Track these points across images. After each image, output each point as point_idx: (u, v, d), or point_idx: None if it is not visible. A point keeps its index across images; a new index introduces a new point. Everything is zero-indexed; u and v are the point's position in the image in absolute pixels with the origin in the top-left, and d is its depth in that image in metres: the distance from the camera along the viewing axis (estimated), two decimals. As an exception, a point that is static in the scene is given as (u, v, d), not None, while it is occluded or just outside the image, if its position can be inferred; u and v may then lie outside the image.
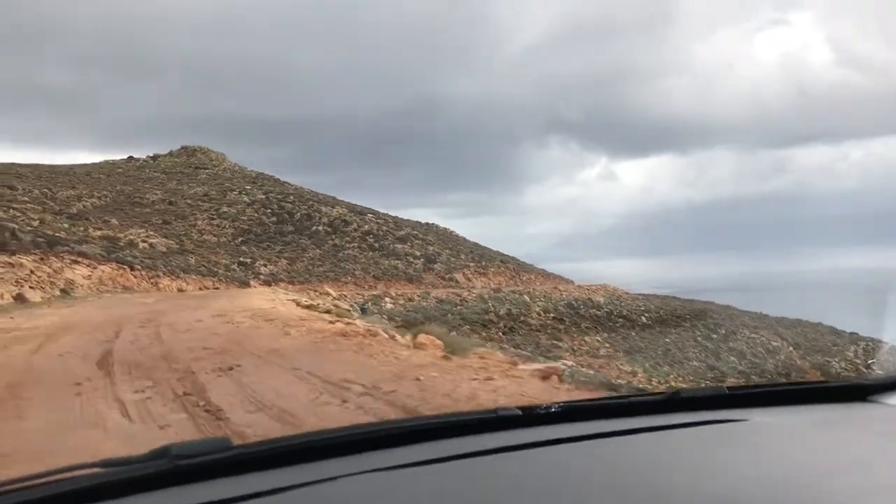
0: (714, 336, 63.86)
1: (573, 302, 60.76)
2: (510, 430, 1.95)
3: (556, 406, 2.06)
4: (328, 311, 17.11)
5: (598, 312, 60.28)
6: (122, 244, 46.21)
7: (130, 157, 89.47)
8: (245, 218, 63.86)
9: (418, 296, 51.86)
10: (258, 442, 1.79)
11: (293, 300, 22.52)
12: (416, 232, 69.75)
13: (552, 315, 55.69)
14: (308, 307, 19.06)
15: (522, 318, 53.03)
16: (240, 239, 59.56)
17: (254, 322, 13.28)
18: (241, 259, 53.39)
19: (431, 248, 66.33)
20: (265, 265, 53.48)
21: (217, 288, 43.96)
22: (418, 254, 63.80)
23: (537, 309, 56.75)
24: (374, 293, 49.70)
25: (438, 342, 10.65)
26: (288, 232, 62.33)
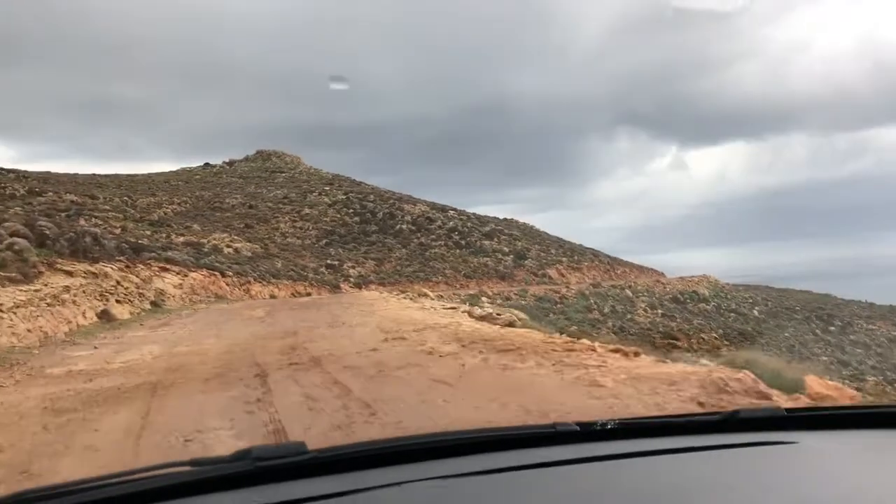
0: (832, 328, 58.31)
1: (678, 296, 55.85)
2: (568, 444, 1.95)
3: (614, 422, 2.03)
4: (510, 324, 12.99)
5: (707, 307, 55.23)
6: (206, 249, 43.10)
7: (206, 164, 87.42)
8: (327, 219, 60.55)
9: (515, 294, 47.63)
10: (332, 447, 1.83)
11: (447, 307, 18.44)
12: (500, 227, 65.47)
13: (660, 311, 50.86)
14: (480, 318, 14.97)
15: (629, 316, 48.48)
16: (324, 241, 56.20)
17: (470, 351, 8.64)
18: (329, 261, 49.90)
19: (519, 243, 61.97)
20: (353, 267, 49.90)
21: (309, 294, 40.44)
22: (507, 250, 59.51)
23: (642, 305, 52.03)
24: (470, 292, 45.60)
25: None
26: (372, 232, 58.75)
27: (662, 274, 72.32)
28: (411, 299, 26.50)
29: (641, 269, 70.15)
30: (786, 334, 51.68)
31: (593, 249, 70.05)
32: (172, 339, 11.77)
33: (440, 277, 51.38)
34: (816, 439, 2.01)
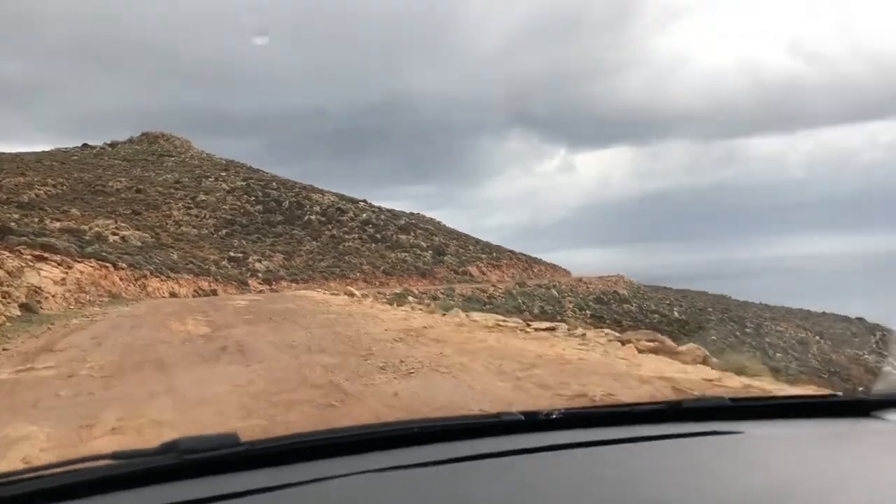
0: (747, 330, 56.89)
1: (601, 296, 52.68)
2: (512, 434, 1.91)
3: (559, 412, 2.00)
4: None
5: (630, 307, 52.32)
6: (88, 237, 36.10)
7: (85, 145, 78.13)
8: (227, 207, 53.86)
9: (442, 293, 42.91)
10: (266, 439, 1.75)
11: (472, 320, 13.22)
12: (414, 221, 60.57)
13: (588, 312, 47.37)
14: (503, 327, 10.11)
15: (560, 317, 44.76)
16: (224, 230, 49.64)
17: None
18: (232, 254, 43.60)
19: (437, 238, 57.28)
20: (259, 260, 43.80)
21: (215, 291, 34.29)
22: (425, 245, 54.70)
23: (570, 305, 48.44)
24: (395, 291, 40.55)
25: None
26: (277, 222, 52.59)
27: (568, 273, 69.69)
28: (390, 303, 21.48)
29: (555, 268, 66.95)
30: (712, 337, 49.32)
31: (507, 248, 66.27)
32: (65, 417, 5.92)
33: (358, 274, 46.02)
34: (761, 428, 2.01)
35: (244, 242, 47.12)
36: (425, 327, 11.20)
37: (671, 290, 75.73)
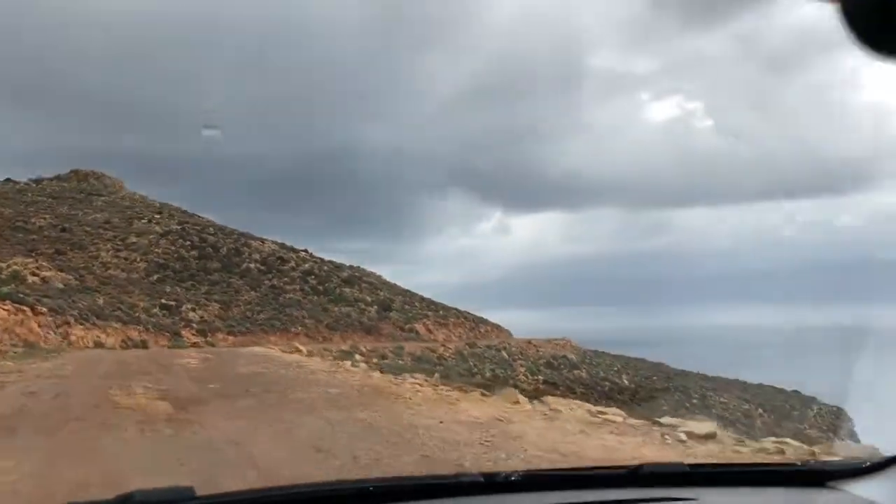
0: (694, 401, 55.64)
1: (551, 360, 50.67)
2: (471, 496, 1.88)
3: (518, 474, 1.96)
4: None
5: (581, 374, 50.41)
6: (3, 276, 32.28)
7: (8, 179, 72.88)
8: (159, 251, 50.09)
9: (391, 352, 40.11)
10: (221, 493, 1.72)
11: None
12: (358, 274, 57.72)
13: (541, 378, 45.13)
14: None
15: (512, 382, 42.41)
16: (156, 275, 45.89)
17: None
18: (163, 301, 39.95)
19: (381, 293, 54.52)
20: (194, 309, 40.28)
21: (144, 343, 30.81)
22: (369, 299, 51.87)
23: (522, 370, 46.21)
24: (342, 348, 37.59)
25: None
26: (214, 269, 49.08)
27: (510, 334, 67.69)
28: (385, 371, 18.79)
29: (500, 329, 64.78)
30: (664, 408, 47.65)
31: (450, 306, 63.82)
32: None
33: (299, 328, 42.85)
34: (716, 496, 2.01)
35: (177, 290, 43.51)
36: (499, 419, 8.52)
37: (608, 356, 74.52)
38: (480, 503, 1.82)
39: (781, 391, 69.87)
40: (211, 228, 56.81)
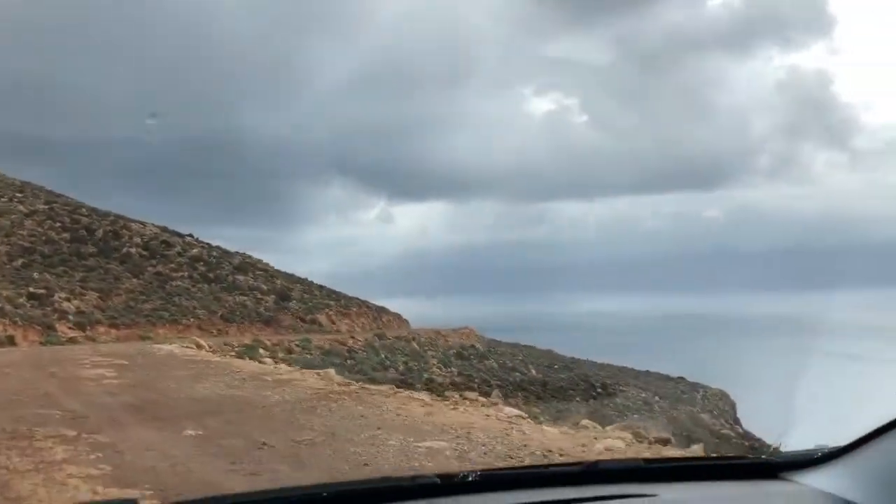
0: (599, 391, 54.57)
1: (461, 351, 48.03)
2: (428, 498, 1.84)
3: (475, 474, 1.94)
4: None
5: (492, 364, 48.08)
6: None
7: None
8: (24, 233, 43.63)
9: (297, 345, 36.23)
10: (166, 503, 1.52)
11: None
12: (251, 261, 52.94)
13: (455, 370, 42.39)
14: None
15: (426, 375, 39.44)
16: (20, 260, 39.71)
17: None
18: (32, 289, 34.27)
19: (279, 281, 50.15)
20: (69, 299, 34.82)
21: (12, 338, 25.75)
22: (266, 288, 47.46)
23: (434, 361, 43.26)
24: (245, 342, 33.37)
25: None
26: (89, 254, 43.23)
27: (408, 323, 64.87)
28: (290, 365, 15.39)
29: (400, 318, 61.66)
30: (577, 399, 46.07)
31: (347, 294, 60.02)
32: None
33: (191, 319, 38.13)
34: (674, 491, 1.99)
35: (47, 276, 37.68)
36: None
37: (506, 345, 73.02)
38: None
39: (668, 377, 70.41)
40: (84, 209, 50.45)
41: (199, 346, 26.38)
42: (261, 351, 33.25)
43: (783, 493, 2.03)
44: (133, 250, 45.47)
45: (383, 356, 39.70)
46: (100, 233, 46.39)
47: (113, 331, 32.75)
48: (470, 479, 1.91)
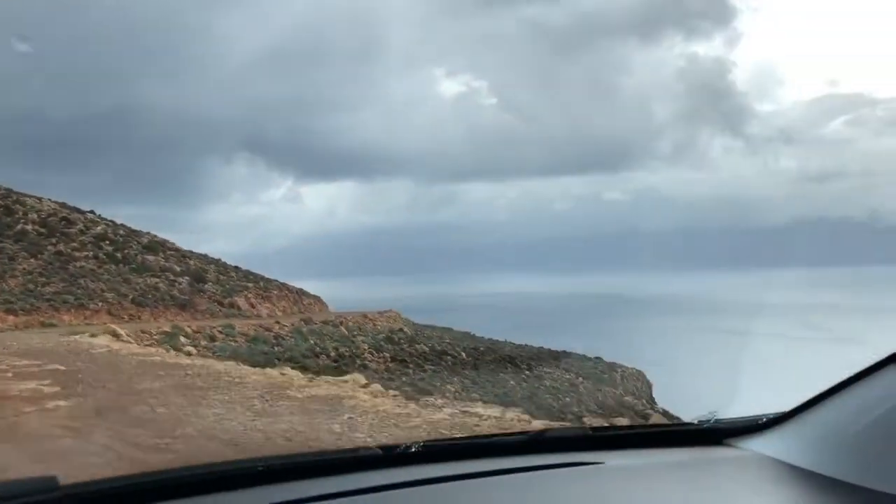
0: (527, 373, 53.55)
1: (390, 335, 45.69)
2: (370, 470, 1.80)
3: (418, 445, 1.91)
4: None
5: (423, 348, 45.97)
6: None
7: None
8: None
9: (220, 332, 33.16)
10: (88, 482, 1.56)
11: None
12: (159, 240, 48.90)
13: (387, 355, 40.10)
14: None
15: (360, 361, 37.03)
16: None
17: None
18: (-89, 270, 29.92)
19: (192, 262, 46.49)
20: (-45, 281, 30.62)
21: None
22: (178, 269, 43.79)
23: (365, 346, 40.82)
24: (164, 329, 30.19)
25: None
26: (-23, 231, 38.55)
27: (326, 304, 62.07)
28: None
29: (320, 301, 58.79)
30: (511, 382, 44.69)
31: (263, 276, 56.60)
32: None
33: (99, 303, 34.39)
34: (620, 458, 1.99)
35: (-72, 255, 33.20)
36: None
37: (430, 327, 71.24)
38: (381, 477, 1.71)
39: (586, 357, 70.28)
40: (-31, 182, 45.24)
41: (117, 336, 23.28)
42: (181, 339, 30.14)
43: (728, 458, 2.03)
44: (29, 227, 40.93)
45: (312, 342, 37.02)
46: (-10, 208, 41.59)
47: (10, 317, 28.90)
48: (413, 450, 1.87)
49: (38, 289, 33.38)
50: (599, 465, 1.91)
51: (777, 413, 2.07)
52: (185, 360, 14.85)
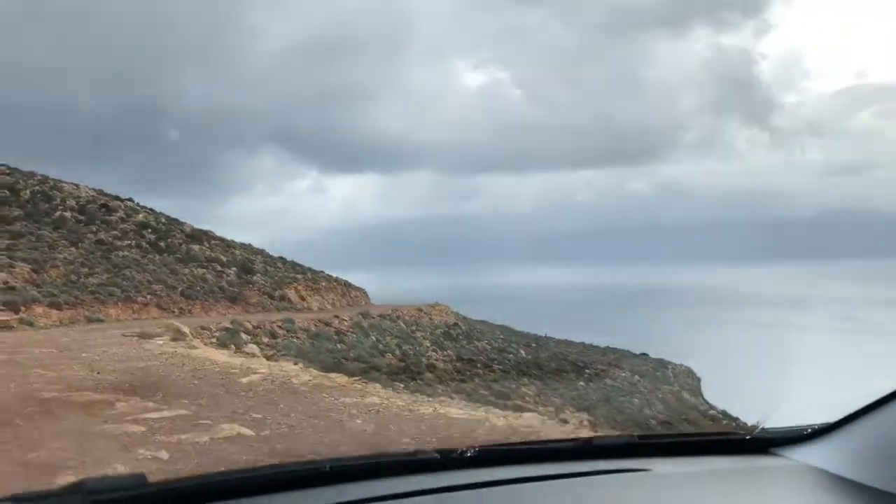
0: (587, 372, 50.22)
1: (448, 331, 42.42)
2: (427, 473, 1.84)
3: (473, 450, 1.94)
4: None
5: (484, 344, 42.74)
6: None
7: None
8: (-67, 191, 35.59)
9: (280, 327, 29.95)
10: (174, 479, 1.67)
11: None
12: (206, 228, 45.77)
13: (451, 353, 36.78)
14: None
15: (426, 360, 33.78)
16: (-73, 224, 31.93)
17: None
18: (-55, 259, 26.89)
19: (237, 252, 43.37)
20: (-7, 272, 27.55)
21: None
22: (225, 259, 40.67)
23: (426, 343, 37.55)
24: (225, 325, 27.02)
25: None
26: (15, 217, 35.50)
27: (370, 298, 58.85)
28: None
29: (364, 293, 55.52)
30: (581, 384, 41.25)
31: (310, 268, 53.33)
32: None
33: (148, 296, 31.23)
34: (667, 465, 2.00)
35: (-37, 243, 30.18)
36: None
37: (476, 322, 67.98)
38: (436, 479, 1.75)
39: (632, 354, 66.75)
40: (4, 167, 42.27)
41: (181, 335, 20.06)
42: (243, 336, 26.92)
43: (774, 468, 2.03)
44: (67, 214, 37.89)
45: (374, 338, 33.77)
46: (27, 193, 38.57)
47: (54, 312, 25.80)
48: (468, 454, 1.90)
49: (82, 280, 30.25)
50: (646, 472, 1.90)
51: (824, 423, 2.04)
52: (305, 377, 11.54)
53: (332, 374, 14.00)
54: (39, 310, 25.42)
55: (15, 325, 22.80)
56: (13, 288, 26.55)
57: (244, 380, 9.75)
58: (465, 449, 1.91)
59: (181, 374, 9.71)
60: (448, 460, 1.89)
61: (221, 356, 14.28)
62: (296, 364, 15.70)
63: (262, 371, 11.05)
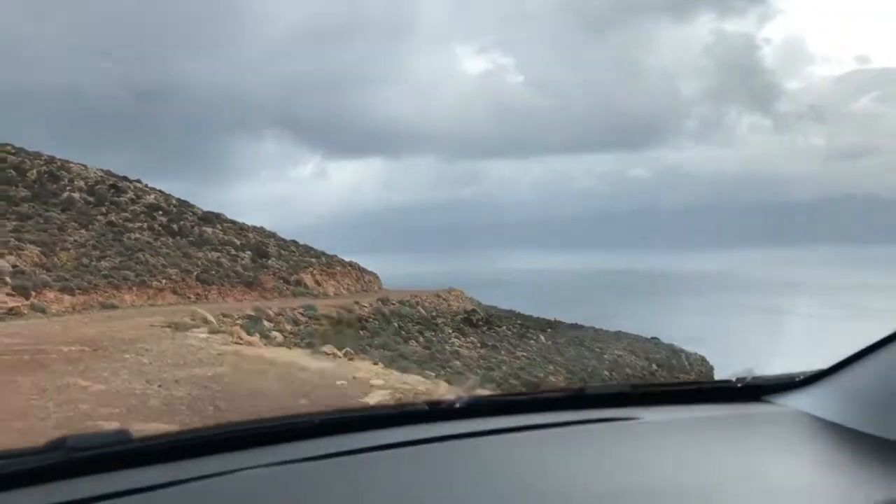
0: (606, 359, 48.93)
1: (469, 316, 40.97)
2: (416, 424, 1.82)
3: (463, 401, 1.93)
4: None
5: (505, 330, 41.33)
6: None
7: None
8: (-64, 171, 33.93)
9: (301, 314, 28.49)
10: (157, 435, 1.62)
11: None
12: (213, 211, 44.13)
13: (475, 340, 35.40)
14: None
15: (449, 347, 32.35)
16: (-67, 205, 30.34)
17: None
18: (-50, 242, 25.33)
19: (251, 235, 41.82)
20: (1, 255, 25.98)
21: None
22: (238, 243, 39.13)
23: (448, 329, 36.16)
24: (248, 312, 25.53)
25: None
26: (22, 198, 33.88)
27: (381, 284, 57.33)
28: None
29: (377, 277, 54.01)
30: (602, 369, 39.89)
31: (320, 250, 51.76)
32: None
33: (163, 280, 29.72)
34: (658, 413, 1.99)
35: (-31, 225, 28.61)
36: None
37: (485, 306, 66.58)
38: (425, 430, 1.74)
39: (643, 338, 65.38)
40: (10, 147, 40.54)
41: (208, 323, 18.59)
42: (265, 323, 25.49)
43: (765, 414, 2.01)
44: (76, 195, 36.28)
45: (396, 324, 32.37)
46: (33, 174, 36.93)
47: (66, 297, 24.32)
48: (458, 405, 1.88)
49: (94, 263, 28.73)
50: (637, 421, 1.90)
51: (815, 370, 2.02)
52: (362, 373, 10.07)
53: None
54: (51, 295, 23.94)
55: (26, 312, 21.36)
56: (23, 272, 25.02)
57: (369, 398, 8.14)
58: (454, 399, 1.88)
59: (273, 386, 8.16)
60: (437, 411, 1.85)
61: (301, 358, 12.70)
62: (375, 364, 14.12)
63: (377, 382, 9.50)
